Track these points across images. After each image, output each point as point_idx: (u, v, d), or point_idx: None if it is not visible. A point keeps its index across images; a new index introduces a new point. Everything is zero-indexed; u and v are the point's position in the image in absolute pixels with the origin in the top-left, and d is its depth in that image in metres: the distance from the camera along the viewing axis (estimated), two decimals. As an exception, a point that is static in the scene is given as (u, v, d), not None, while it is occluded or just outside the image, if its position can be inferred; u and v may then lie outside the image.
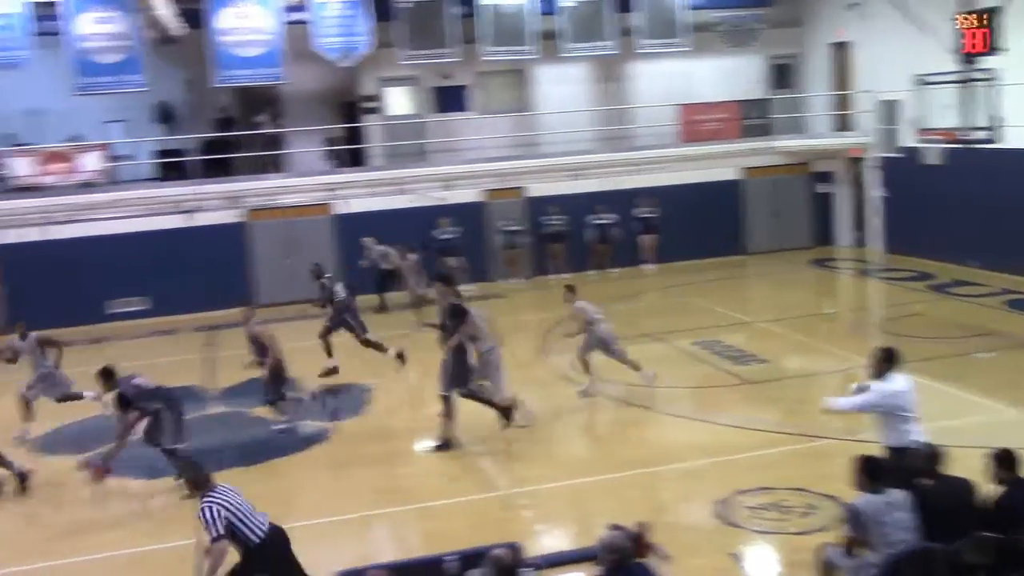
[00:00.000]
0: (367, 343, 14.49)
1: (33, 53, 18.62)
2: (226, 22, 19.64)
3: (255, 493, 10.01)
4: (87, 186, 19.65)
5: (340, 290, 14.64)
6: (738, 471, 9.81)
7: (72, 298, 18.88)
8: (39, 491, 10.69)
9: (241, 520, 6.94)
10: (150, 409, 10.13)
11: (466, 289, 20.38)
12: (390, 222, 20.28)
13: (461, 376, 11.01)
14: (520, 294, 20.67)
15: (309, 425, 12.32)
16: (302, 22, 20.05)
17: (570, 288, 12.68)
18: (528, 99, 22.99)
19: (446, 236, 20.95)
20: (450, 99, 22.61)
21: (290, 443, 11.73)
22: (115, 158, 20.83)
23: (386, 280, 19.52)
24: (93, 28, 18.97)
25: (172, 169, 21.13)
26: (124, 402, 10.05)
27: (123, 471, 10.71)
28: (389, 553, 8.61)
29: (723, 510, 8.88)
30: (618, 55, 22.06)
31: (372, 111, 22.40)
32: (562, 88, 22.78)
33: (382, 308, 19.17)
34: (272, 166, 21.36)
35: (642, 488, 9.72)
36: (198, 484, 7.34)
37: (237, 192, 20.01)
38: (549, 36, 21.25)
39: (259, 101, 21.98)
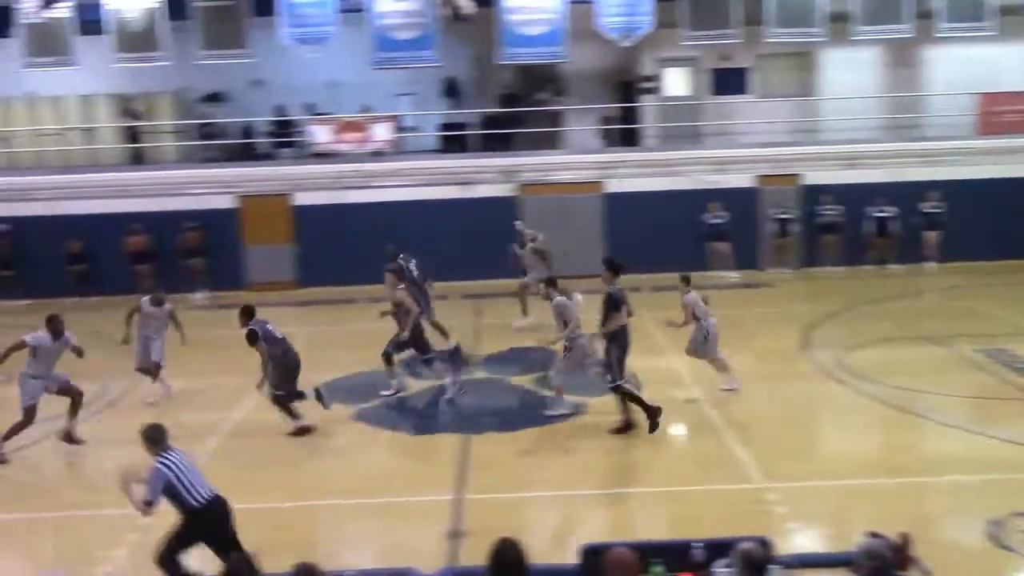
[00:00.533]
0: (434, 325, 14.68)
1: (336, 29, 19.99)
2: (514, 1, 20.22)
3: (504, 459, 10.49)
4: (376, 155, 20.94)
5: (413, 268, 15.02)
6: (1017, 492, 9.08)
7: (356, 259, 20.14)
8: (313, 437, 11.57)
9: (183, 484, 7.18)
10: (270, 352, 11.19)
11: (730, 275, 20.13)
12: (659, 203, 20.23)
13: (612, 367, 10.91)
14: (788, 285, 20.04)
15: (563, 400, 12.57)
16: (586, 1, 20.29)
17: (685, 279, 12.35)
18: (811, 83, 22.14)
19: (715, 221, 20.62)
20: (729, 81, 22.18)
21: (545, 416, 11.99)
22: (403, 129, 22.09)
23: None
24: (393, 6, 20.10)
25: (454, 142, 22.12)
26: (251, 338, 11.26)
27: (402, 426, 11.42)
28: (633, 533, 8.67)
29: (996, 531, 8.24)
30: (914, 39, 20.76)
31: (649, 91, 22.35)
32: (849, 73, 21.76)
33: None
34: (547, 142, 21.85)
35: (906, 498, 9.20)
36: (154, 441, 7.46)
37: (513, 167, 20.66)
38: (839, 18, 20.33)
39: (540, 78, 22.51)
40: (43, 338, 10.93)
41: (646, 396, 11.14)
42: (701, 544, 6.28)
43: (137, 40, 19.74)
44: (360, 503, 9.55)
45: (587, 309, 11.54)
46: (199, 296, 19.64)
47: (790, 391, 12.32)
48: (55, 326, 10.99)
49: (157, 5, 19.62)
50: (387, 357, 12.83)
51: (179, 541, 7.28)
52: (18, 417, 10.88)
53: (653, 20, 20.22)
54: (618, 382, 10.92)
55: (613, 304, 10.79)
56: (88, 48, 20.12)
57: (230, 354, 15.86)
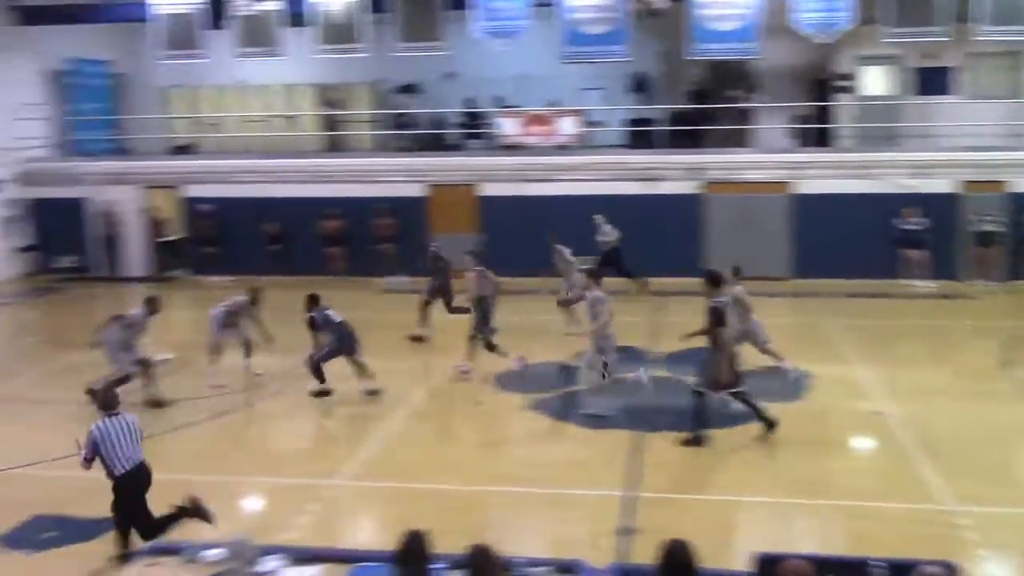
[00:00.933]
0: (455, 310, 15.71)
1: (528, 23, 20.21)
2: (707, -4, 19.89)
3: (678, 458, 10.37)
4: (562, 148, 21.08)
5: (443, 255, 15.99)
6: None
7: (537, 250, 20.35)
8: (487, 425, 11.79)
9: (108, 450, 7.75)
10: (323, 338, 12.55)
11: (924, 285, 19.16)
12: (850, 206, 19.49)
13: (714, 378, 10.62)
14: (991, 298, 18.89)
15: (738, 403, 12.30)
16: (782, -4, 19.74)
17: (736, 271, 12.87)
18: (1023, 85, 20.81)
19: (910, 227, 19.64)
20: (933, 81, 21.10)
21: (722, 418, 11.80)
22: (589, 124, 22.15)
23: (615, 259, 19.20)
24: (585, 0, 20.14)
25: (640, 138, 22.01)
26: (312, 325, 12.60)
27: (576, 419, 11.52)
28: (810, 545, 8.42)
29: None
30: None
31: (844, 90, 21.54)
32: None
33: (639, 284, 19.06)
34: (735, 140, 21.42)
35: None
36: (103, 405, 8.06)
37: (699, 164, 20.37)
38: (1060, 15, 18.99)
39: (731, 75, 22.09)
40: (137, 315, 12.39)
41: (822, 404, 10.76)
42: (882, 564, 6.03)
43: (339, 32, 20.56)
44: (530, 492, 9.66)
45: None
46: (393, 280, 20.29)
47: (987, 410, 11.63)
48: (153, 306, 12.50)
49: (359, -1, 20.40)
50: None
51: (115, 506, 7.88)
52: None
53: (853, 16, 19.44)
54: (740, 389, 10.75)
55: (716, 318, 10.53)
56: (294, 40, 21.11)
57: (402, 339, 16.43)
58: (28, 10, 22.11)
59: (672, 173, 20.41)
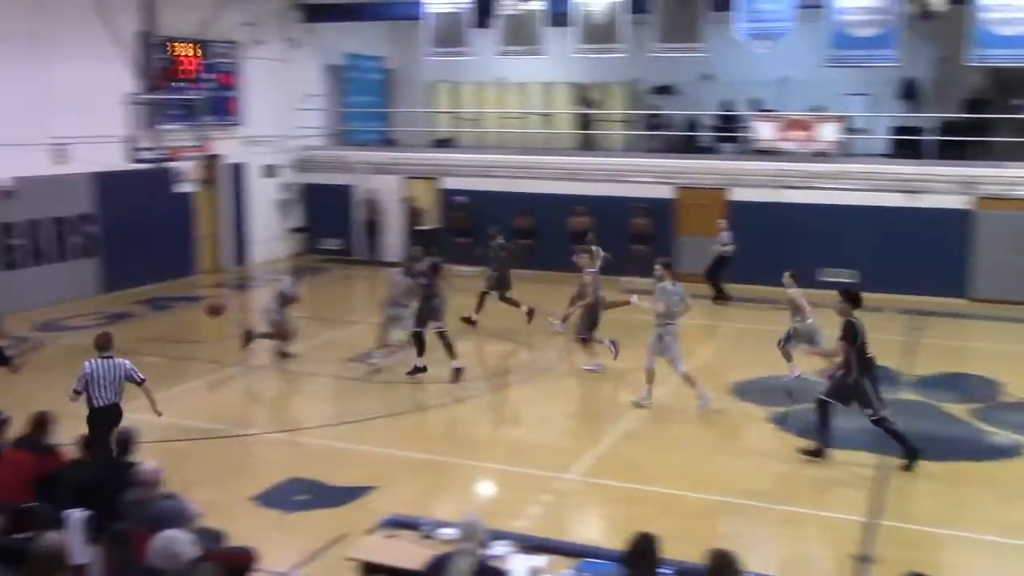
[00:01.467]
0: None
1: (792, 24, 19.59)
2: (993, -2, 18.56)
3: (926, 488, 9.78)
4: (820, 155, 20.32)
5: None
6: None
7: (788, 259, 19.71)
8: (724, 436, 11.58)
9: (93, 387, 8.97)
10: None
11: None
12: None
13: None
14: None
15: (999, 435, 11.46)
16: (1081, -1, 18.09)
17: (794, 275, 13.39)
18: None
19: None
20: None
21: (976, 450, 11.04)
22: (851, 131, 21.22)
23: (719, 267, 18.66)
24: (855, 2, 19.29)
25: (905, 147, 20.84)
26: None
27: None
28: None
29: None
30: None
31: None
32: None
33: (719, 296, 18.59)
34: (1015, 154, 19.83)
35: None
36: (98, 347, 9.20)
37: (972, 177, 19.04)
38: None
39: (1016, 83, 20.48)
40: (286, 283, 14.30)
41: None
42: None
43: (599, 32, 20.75)
44: (763, 506, 9.41)
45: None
46: (635, 281, 20.24)
47: None
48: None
49: (621, -1, 20.51)
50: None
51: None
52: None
53: None
54: (880, 415, 10.18)
55: (852, 335, 10.05)
56: (554, 38, 21.51)
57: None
58: (314, 8, 23.78)
59: (939, 186, 19.19)
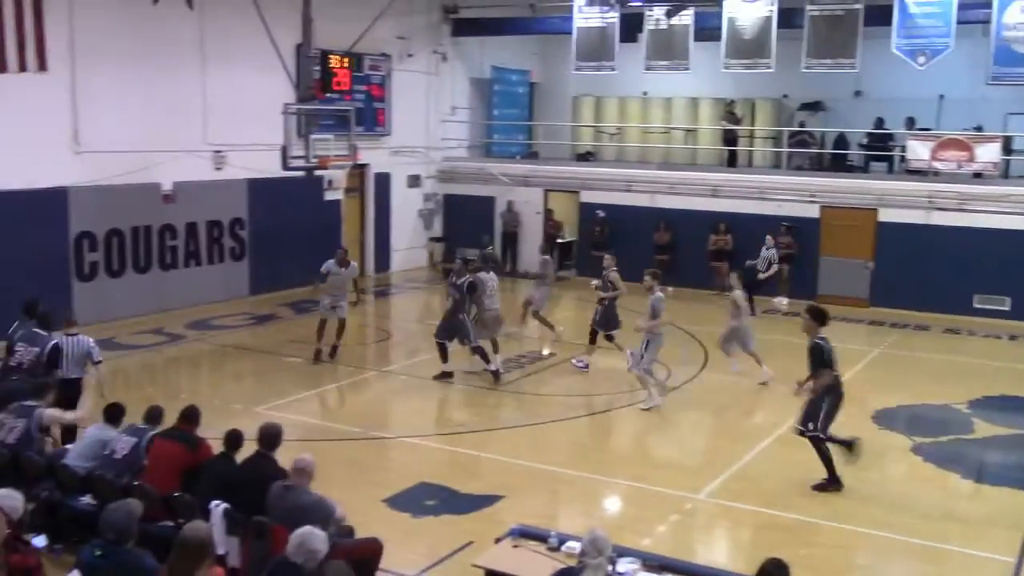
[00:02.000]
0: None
1: (950, 40, 18.82)
2: None
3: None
4: (979, 177, 19.45)
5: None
6: None
7: (939, 284, 19.00)
8: (871, 461, 11.19)
9: (62, 358, 9.90)
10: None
11: None
12: None
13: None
14: None
15: None
16: None
17: (740, 277, 14.13)
18: None
19: None
20: None
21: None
22: (1012, 151, 20.24)
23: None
24: (1020, 18, 18.40)
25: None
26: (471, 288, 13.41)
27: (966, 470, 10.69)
28: None
29: None
30: None
31: None
32: None
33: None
34: None
35: None
36: (67, 324, 10.26)
37: None
38: None
39: None
40: (330, 264, 14.55)
41: None
42: None
43: (747, 47, 20.41)
44: (901, 540, 9.02)
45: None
46: (781, 301, 19.86)
47: None
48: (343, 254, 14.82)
49: (770, 14, 20.10)
50: None
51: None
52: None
53: None
54: (818, 434, 9.87)
55: (818, 356, 9.79)
56: (700, 54, 21.29)
57: (793, 362, 15.98)
58: (463, 22, 24.24)
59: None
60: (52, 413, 8.82)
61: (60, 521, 7.82)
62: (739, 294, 14.02)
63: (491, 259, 16.11)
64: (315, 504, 6.99)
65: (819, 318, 9.93)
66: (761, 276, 18.97)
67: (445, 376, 13.92)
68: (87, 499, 7.95)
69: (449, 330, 13.88)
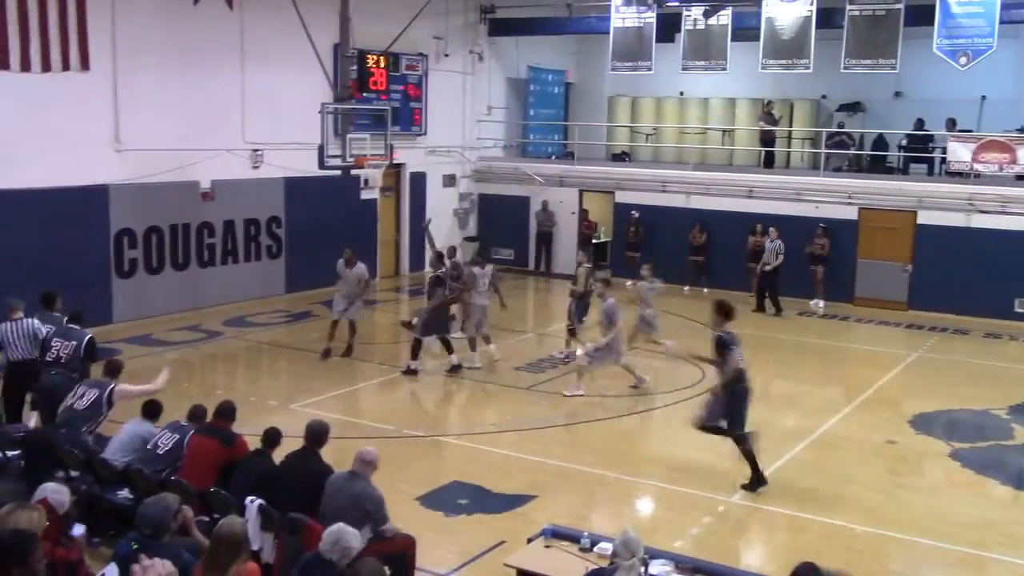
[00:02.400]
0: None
1: (993, 40, 18.56)
2: None
3: None
4: (1020, 179, 19.18)
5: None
6: None
7: (979, 288, 18.74)
8: (906, 465, 11.07)
9: (8, 345, 10.15)
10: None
11: None
12: None
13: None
14: None
15: None
16: None
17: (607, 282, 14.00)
18: None
19: None
20: None
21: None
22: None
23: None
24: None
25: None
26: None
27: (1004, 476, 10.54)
28: None
29: None
30: None
31: None
32: None
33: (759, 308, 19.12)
34: None
35: None
36: (11, 310, 10.21)
37: None
38: None
39: None
40: (339, 264, 14.78)
41: None
42: None
43: (785, 47, 20.24)
44: (937, 546, 8.92)
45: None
46: (818, 303, 19.71)
47: None
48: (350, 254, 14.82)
49: (809, 14, 19.93)
50: None
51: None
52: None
53: None
54: (741, 432, 9.93)
55: (721, 348, 9.80)
56: (737, 54, 21.16)
57: (830, 364, 15.87)
58: (500, 22, 24.27)
59: None
60: (123, 387, 9.20)
61: (98, 514, 7.94)
62: (643, 285, 14.82)
63: (485, 255, 16.19)
64: (378, 496, 7.14)
65: (724, 312, 10.04)
66: (769, 267, 19.07)
67: (455, 369, 14.19)
68: (124, 493, 8.07)
69: (434, 325, 14.25)
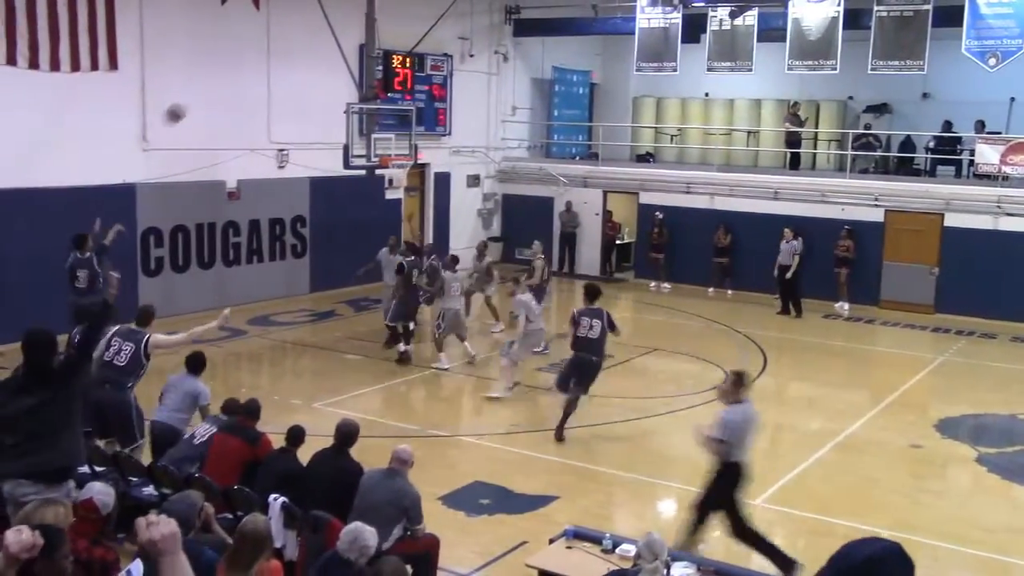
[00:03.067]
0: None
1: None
2: None
3: None
4: None
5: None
6: None
7: (1007, 291, 18.56)
8: (931, 469, 10.97)
9: None
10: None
11: None
12: None
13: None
14: None
15: None
16: None
17: (517, 280, 14.61)
18: None
19: None
20: None
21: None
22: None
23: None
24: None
25: None
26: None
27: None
28: None
29: None
30: None
31: None
32: None
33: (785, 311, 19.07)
34: None
35: None
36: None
37: None
38: None
39: None
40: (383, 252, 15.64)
41: None
42: None
43: (812, 48, 20.12)
44: (969, 554, 8.86)
45: None
46: (843, 306, 19.60)
47: None
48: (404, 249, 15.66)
49: (836, 14, 19.80)
50: None
51: None
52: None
53: None
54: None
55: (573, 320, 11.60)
56: (763, 55, 21.05)
57: (854, 367, 15.78)
58: (525, 22, 24.28)
59: None
60: (157, 338, 9.30)
61: (124, 510, 8.00)
62: (540, 262, 16.47)
63: (455, 259, 16.09)
64: (416, 495, 7.24)
65: (592, 295, 11.83)
66: (789, 273, 18.98)
67: (404, 357, 14.73)
68: (150, 489, 8.13)
69: (401, 312, 14.85)
